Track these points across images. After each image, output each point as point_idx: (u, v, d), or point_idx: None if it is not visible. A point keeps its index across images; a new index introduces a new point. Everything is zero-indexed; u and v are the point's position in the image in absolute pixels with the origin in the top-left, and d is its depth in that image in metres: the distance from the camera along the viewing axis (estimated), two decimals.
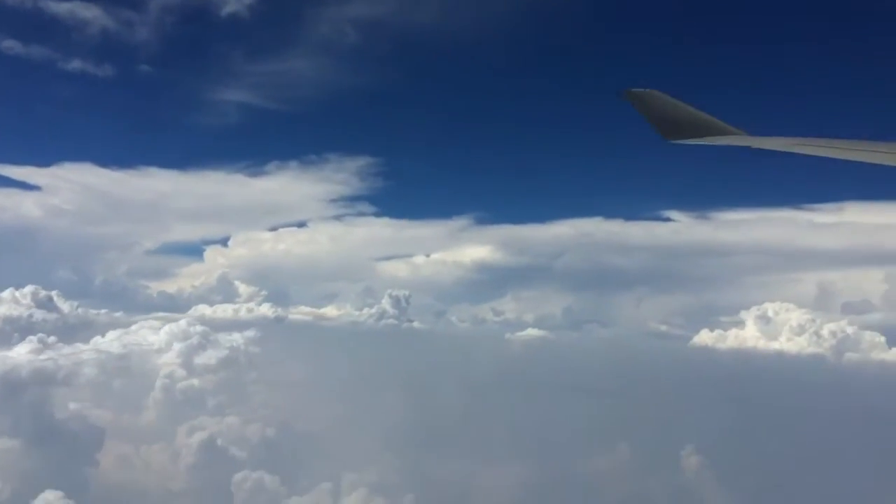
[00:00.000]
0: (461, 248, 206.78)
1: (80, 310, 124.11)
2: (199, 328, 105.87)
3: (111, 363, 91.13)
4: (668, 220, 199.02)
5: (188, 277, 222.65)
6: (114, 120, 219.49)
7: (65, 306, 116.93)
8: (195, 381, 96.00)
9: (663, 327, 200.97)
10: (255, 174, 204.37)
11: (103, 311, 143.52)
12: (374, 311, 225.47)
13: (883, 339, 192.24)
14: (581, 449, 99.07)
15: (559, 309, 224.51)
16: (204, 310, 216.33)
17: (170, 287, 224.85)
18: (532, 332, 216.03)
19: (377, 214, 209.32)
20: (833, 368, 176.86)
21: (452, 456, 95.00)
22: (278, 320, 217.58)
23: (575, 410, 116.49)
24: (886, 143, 7.77)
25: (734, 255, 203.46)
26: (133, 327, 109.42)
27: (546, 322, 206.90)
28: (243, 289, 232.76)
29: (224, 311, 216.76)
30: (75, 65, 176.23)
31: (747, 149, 9.33)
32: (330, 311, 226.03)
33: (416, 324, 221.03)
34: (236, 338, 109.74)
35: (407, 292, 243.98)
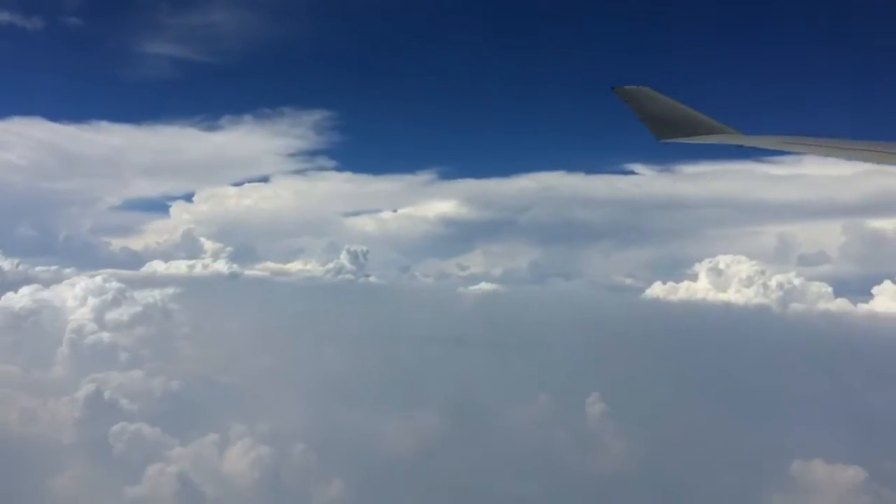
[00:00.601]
0: (427, 203, 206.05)
1: (21, 266, 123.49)
2: (115, 284, 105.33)
3: (14, 319, 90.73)
4: (631, 173, 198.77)
5: (154, 234, 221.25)
6: (53, 74, 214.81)
7: (5, 263, 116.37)
8: (106, 336, 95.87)
9: (628, 280, 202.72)
10: (209, 128, 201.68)
11: (54, 267, 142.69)
12: (333, 266, 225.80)
13: (830, 289, 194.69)
14: (499, 400, 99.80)
15: (526, 263, 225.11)
16: (157, 266, 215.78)
17: (136, 244, 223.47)
18: (485, 286, 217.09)
19: (338, 169, 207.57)
20: (776, 318, 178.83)
21: (364, 407, 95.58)
22: (233, 276, 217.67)
23: (505, 362, 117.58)
24: (871, 143, 7.89)
25: (696, 208, 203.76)
26: (63, 284, 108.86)
27: (512, 276, 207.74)
28: (209, 245, 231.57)
29: (178, 267, 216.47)
30: (3, 17, 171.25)
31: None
32: (295, 266, 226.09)
33: (372, 278, 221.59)
34: (156, 294, 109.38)
35: (365, 248, 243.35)
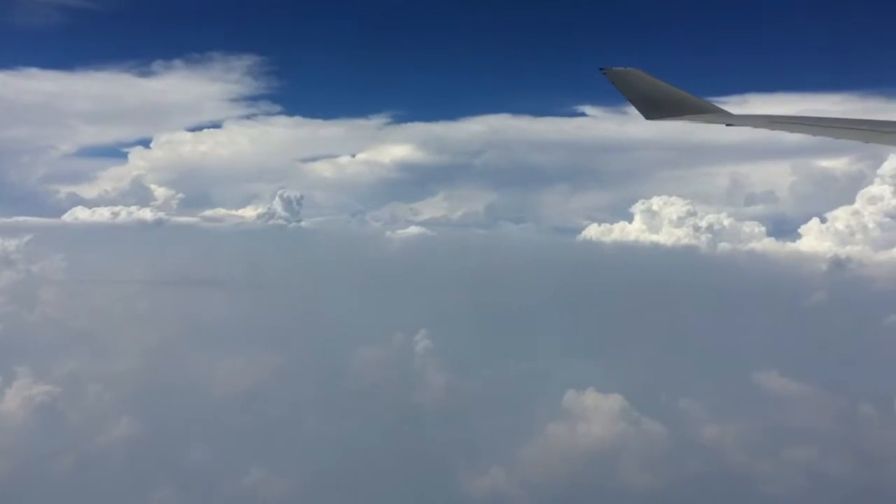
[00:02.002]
0: (384, 148, 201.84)
1: None
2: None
3: None
4: (582, 114, 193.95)
5: (110, 181, 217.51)
6: None
7: None
8: None
9: (586, 223, 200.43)
10: (143, 74, 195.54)
11: None
12: (265, 211, 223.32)
13: (763, 228, 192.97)
14: (352, 341, 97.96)
15: (483, 206, 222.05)
16: (80, 213, 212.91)
17: (89, 191, 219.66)
18: (413, 230, 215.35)
19: (286, 114, 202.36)
20: (700, 257, 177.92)
21: (212, 350, 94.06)
22: (158, 223, 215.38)
23: (377, 303, 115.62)
24: (864, 121, 7.94)
25: (650, 149, 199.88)
26: None
27: (467, 219, 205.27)
28: (160, 192, 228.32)
29: (101, 214, 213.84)
30: None
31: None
32: (247, 211, 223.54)
33: (304, 224, 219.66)
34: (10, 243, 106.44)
35: (299, 193, 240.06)
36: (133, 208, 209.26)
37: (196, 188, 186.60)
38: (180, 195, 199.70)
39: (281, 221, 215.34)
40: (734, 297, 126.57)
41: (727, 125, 9.10)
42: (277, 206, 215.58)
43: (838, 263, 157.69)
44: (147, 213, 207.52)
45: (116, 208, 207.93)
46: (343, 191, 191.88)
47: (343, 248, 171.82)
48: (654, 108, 9.98)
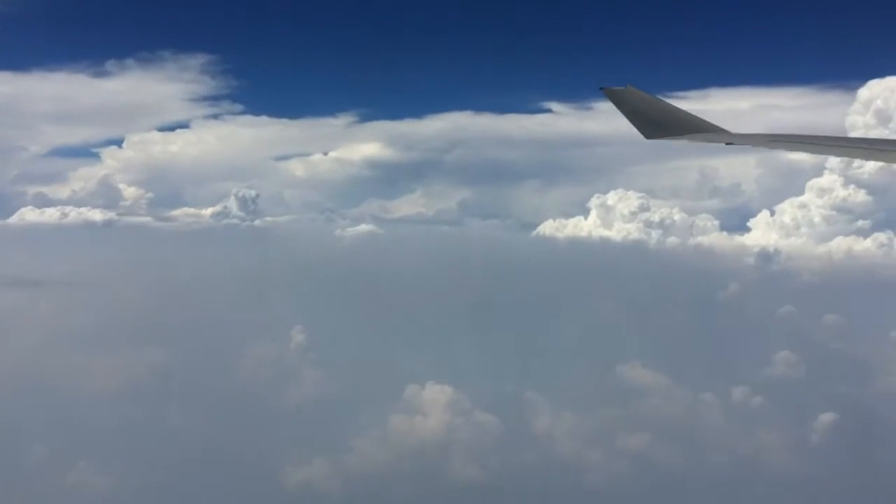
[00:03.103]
0: (355, 146, 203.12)
1: None
2: None
3: None
4: (548, 111, 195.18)
5: (81, 181, 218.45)
6: None
7: None
8: None
9: (554, 219, 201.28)
10: (97, 75, 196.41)
11: None
12: (220, 210, 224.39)
13: (716, 222, 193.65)
14: (245, 339, 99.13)
15: (455, 203, 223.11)
16: (28, 214, 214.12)
17: (60, 192, 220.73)
18: (363, 227, 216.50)
19: (253, 113, 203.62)
20: (644, 252, 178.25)
21: (109, 349, 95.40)
22: (108, 224, 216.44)
23: (290, 302, 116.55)
24: (862, 139, 8.10)
25: (618, 144, 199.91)
26: None
27: (440, 216, 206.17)
28: (130, 192, 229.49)
29: (51, 215, 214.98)
30: None
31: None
32: (205, 211, 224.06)
33: (257, 222, 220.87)
34: None
35: (254, 192, 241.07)
36: (84, 209, 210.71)
37: (168, 187, 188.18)
38: (149, 195, 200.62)
39: (235, 221, 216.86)
40: (648, 291, 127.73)
41: (727, 144, 9.10)
42: (233, 205, 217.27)
43: (766, 257, 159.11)
44: (97, 214, 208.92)
45: (67, 209, 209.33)
46: (315, 189, 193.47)
47: (284, 248, 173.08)
48: (654, 128, 10.00)
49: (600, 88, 10.69)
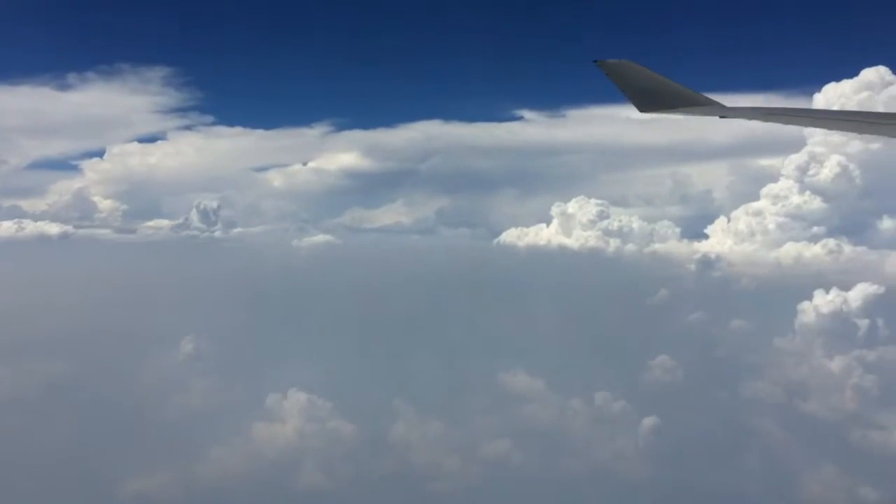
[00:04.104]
0: (333, 156, 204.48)
1: None
2: None
3: None
4: (521, 118, 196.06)
5: (59, 194, 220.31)
6: None
7: None
8: None
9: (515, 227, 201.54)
10: (61, 88, 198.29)
11: None
12: (181, 222, 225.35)
13: (678, 229, 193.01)
14: (149, 348, 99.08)
15: (433, 212, 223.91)
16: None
17: (37, 205, 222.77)
18: (319, 238, 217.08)
19: (227, 124, 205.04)
20: (598, 260, 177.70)
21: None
22: (63, 237, 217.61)
23: (210, 313, 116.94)
24: (857, 112, 7.97)
25: (592, 152, 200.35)
26: None
27: (422, 224, 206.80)
28: (106, 204, 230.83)
29: (8, 228, 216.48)
30: None
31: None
32: (163, 223, 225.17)
33: (217, 234, 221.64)
34: None
35: (216, 203, 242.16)
36: (42, 223, 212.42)
37: (146, 199, 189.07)
38: (124, 207, 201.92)
39: (195, 232, 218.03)
40: (578, 298, 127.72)
41: (721, 117, 9.17)
42: (193, 216, 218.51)
43: (707, 263, 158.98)
44: (54, 228, 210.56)
45: (25, 222, 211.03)
46: (293, 199, 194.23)
47: (233, 259, 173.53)
48: (648, 101, 10.00)
49: (594, 62, 10.63)
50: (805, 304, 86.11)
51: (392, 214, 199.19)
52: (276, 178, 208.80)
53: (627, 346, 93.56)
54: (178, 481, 63.37)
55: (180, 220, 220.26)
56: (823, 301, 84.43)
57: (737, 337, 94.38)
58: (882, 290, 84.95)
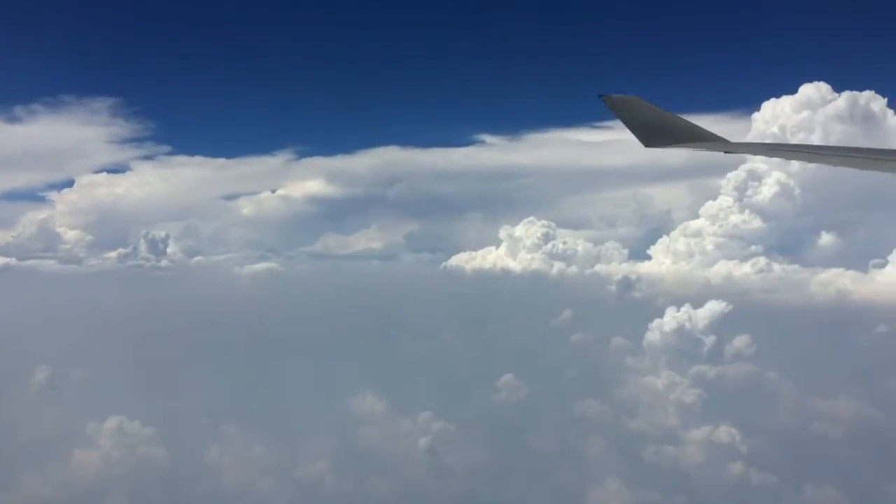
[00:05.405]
0: (298, 183, 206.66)
1: None
2: None
3: None
4: (481, 142, 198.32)
5: (28, 225, 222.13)
6: None
7: None
8: None
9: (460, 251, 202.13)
10: (9, 120, 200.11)
11: None
12: (127, 252, 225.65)
13: (625, 251, 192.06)
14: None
15: (402, 237, 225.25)
16: None
17: (4, 237, 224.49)
18: (261, 265, 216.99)
19: (186, 153, 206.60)
20: (538, 282, 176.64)
21: None
22: (5, 268, 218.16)
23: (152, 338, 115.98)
24: (859, 149, 7.95)
25: (554, 175, 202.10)
26: None
27: (391, 250, 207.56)
28: (71, 235, 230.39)
29: None
30: None
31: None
32: (111, 254, 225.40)
33: (164, 263, 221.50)
34: None
35: (164, 233, 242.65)
36: None
37: (114, 230, 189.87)
38: (89, 238, 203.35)
39: (141, 262, 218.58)
40: (477, 321, 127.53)
41: (725, 153, 9.12)
42: (141, 247, 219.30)
43: (627, 284, 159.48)
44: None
45: None
46: (261, 227, 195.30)
47: (167, 288, 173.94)
48: (652, 136, 10.00)
49: (599, 96, 10.66)
50: (656, 322, 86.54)
51: (366, 240, 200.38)
52: (245, 206, 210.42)
53: (488, 368, 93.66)
54: None
55: (128, 250, 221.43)
56: (670, 318, 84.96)
57: (601, 355, 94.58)
58: (729, 307, 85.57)
